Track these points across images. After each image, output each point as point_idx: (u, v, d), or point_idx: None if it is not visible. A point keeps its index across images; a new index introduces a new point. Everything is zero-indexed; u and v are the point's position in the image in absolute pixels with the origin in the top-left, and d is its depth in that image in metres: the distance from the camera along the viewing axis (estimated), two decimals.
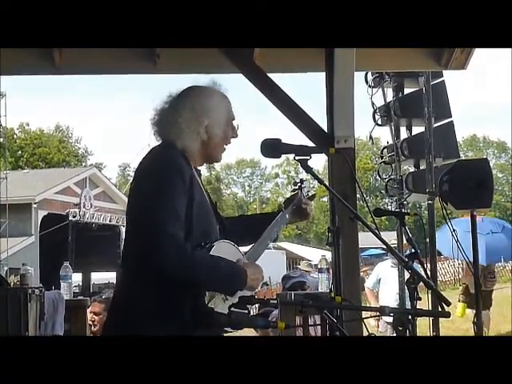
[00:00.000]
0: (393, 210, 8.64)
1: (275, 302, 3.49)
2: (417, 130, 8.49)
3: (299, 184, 3.79)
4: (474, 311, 6.27)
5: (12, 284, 9.29)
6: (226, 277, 3.11)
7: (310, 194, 3.84)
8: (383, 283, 9.89)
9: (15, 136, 59.03)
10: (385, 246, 3.49)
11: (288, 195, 3.91)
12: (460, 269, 10.63)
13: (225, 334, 3.09)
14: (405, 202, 8.55)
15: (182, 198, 3.06)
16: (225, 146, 3.41)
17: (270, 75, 6.18)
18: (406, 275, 3.22)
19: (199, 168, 3.41)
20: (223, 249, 3.20)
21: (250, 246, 3.47)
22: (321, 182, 3.38)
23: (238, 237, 3.38)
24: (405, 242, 8.30)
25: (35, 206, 30.44)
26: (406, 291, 3.17)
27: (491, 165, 6.88)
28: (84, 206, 31.28)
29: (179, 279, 3.01)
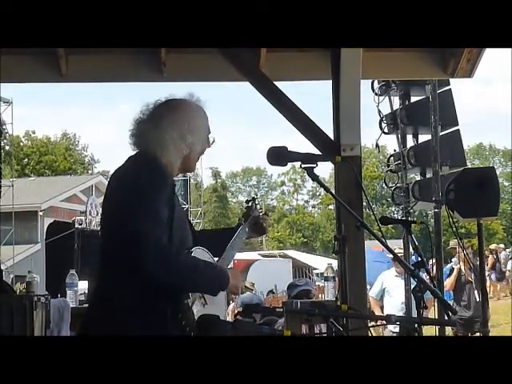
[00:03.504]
0: (399, 218, 8.64)
1: (281, 310, 3.50)
2: (423, 138, 8.49)
3: (251, 201, 3.98)
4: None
5: (18, 291, 9.28)
6: (209, 276, 3.22)
7: (263, 211, 4.07)
8: (388, 293, 9.88)
9: (21, 144, 59.05)
10: (391, 255, 3.49)
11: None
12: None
13: None
14: (411, 211, 8.54)
15: (166, 204, 3.15)
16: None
17: (276, 83, 6.19)
18: (413, 284, 3.22)
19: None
20: (200, 256, 3.30)
21: (216, 259, 3.55)
22: (327, 190, 3.38)
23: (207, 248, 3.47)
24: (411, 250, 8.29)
25: (41, 213, 30.49)
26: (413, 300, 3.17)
27: (498, 173, 6.87)
28: (90, 214, 31.25)
29: (164, 279, 3.06)
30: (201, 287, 3.23)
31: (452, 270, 11.08)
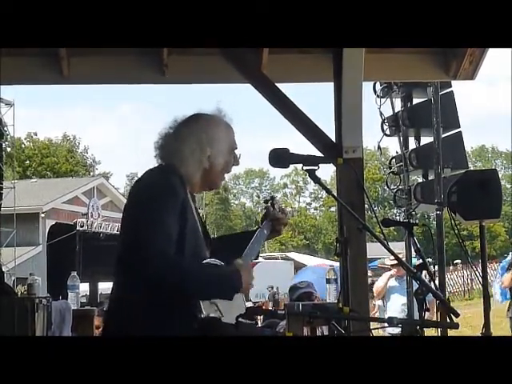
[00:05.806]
0: (401, 220, 8.62)
1: (283, 312, 3.48)
2: (425, 140, 8.48)
3: (270, 201, 3.85)
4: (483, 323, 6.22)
5: (19, 294, 9.30)
6: (219, 278, 3.19)
7: (282, 209, 3.87)
8: (389, 294, 9.85)
9: (23, 145, 59.09)
10: (393, 257, 3.48)
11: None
12: (469, 280, 10.41)
13: None
14: (413, 213, 8.53)
15: (174, 219, 3.14)
16: (225, 175, 3.53)
17: (278, 85, 6.18)
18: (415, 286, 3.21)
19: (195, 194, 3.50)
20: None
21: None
22: (329, 192, 3.37)
23: (223, 256, 3.40)
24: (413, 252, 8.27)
25: (43, 215, 30.49)
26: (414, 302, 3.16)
27: (500, 175, 6.87)
28: (92, 216, 31.31)
29: (167, 284, 3.05)
30: (211, 291, 3.16)
31: (511, 264, 9.97)
